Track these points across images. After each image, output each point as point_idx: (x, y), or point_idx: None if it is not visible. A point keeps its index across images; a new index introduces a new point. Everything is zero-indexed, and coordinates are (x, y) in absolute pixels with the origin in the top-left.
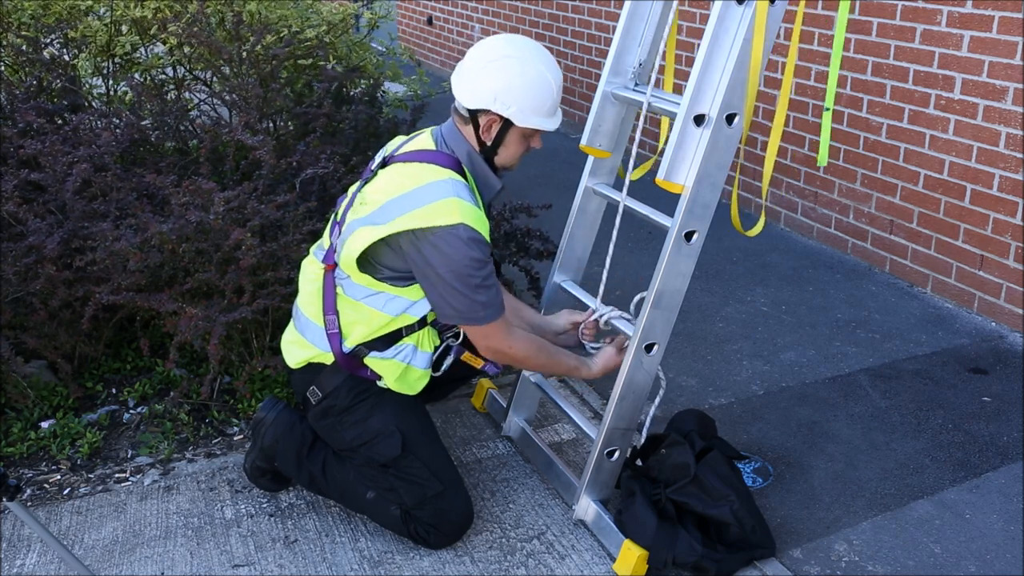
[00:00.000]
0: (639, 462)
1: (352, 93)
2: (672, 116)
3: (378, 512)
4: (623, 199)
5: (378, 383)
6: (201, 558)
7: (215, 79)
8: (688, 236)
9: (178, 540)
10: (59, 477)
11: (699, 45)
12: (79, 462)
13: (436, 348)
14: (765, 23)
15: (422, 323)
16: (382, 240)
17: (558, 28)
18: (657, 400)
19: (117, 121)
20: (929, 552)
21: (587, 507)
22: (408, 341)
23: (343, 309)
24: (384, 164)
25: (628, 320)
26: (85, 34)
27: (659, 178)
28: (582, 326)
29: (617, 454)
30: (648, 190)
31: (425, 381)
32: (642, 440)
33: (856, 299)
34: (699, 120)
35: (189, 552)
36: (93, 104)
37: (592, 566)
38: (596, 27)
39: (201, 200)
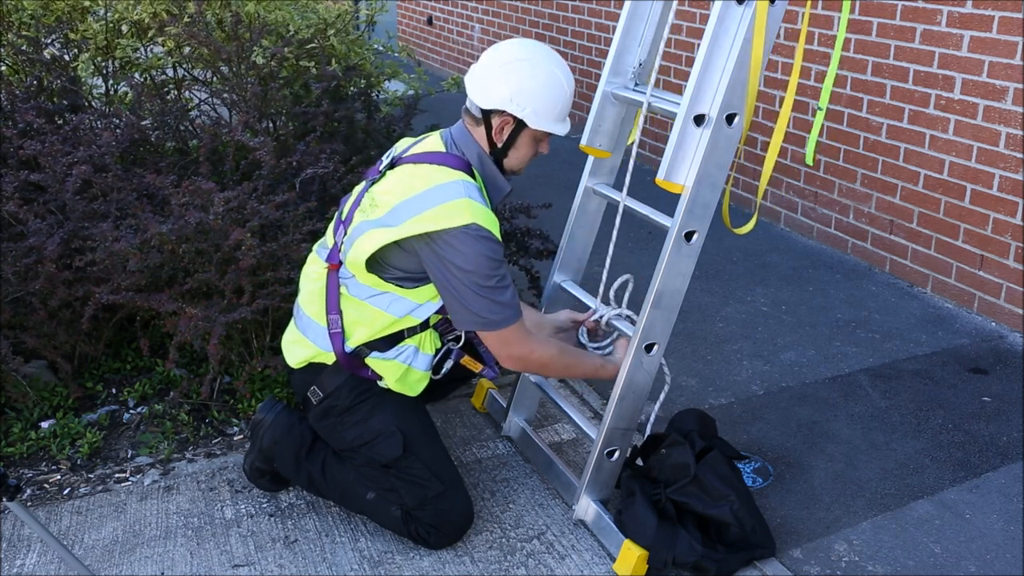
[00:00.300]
0: (639, 462)
1: (349, 92)
2: (672, 116)
3: (378, 512)
4: (623, 199)
5: (379, 383)
6: (201, 558)
7: (215, 79)
8: (688, 236)
9: (178, 540)
10: (59, 477)
11: (699, 45)
12: (79, 462)
13: (437, 351)
14: (765, 23)
15: (424, 325)
16: (393, 242)
17: (558, 28)
18: (661, 398)
19: (117, 121)
20: (929, 552)
21: (587, 507)
22: (410, 343)
23: (346, 309)
24: (392, 165)
25: (628, 320)
26: (85, 35)
27: (659, 178)
28: (583, 325)
29: (617, 454)
30: (648, 190)
31: (425, 383)
32: (643, 440)
33: (856, 299)
34: (699, 120)
35: (189, 552)
36: (93, 104)
37: (592, 566)
38: (596, 27)
39: (201, 200)
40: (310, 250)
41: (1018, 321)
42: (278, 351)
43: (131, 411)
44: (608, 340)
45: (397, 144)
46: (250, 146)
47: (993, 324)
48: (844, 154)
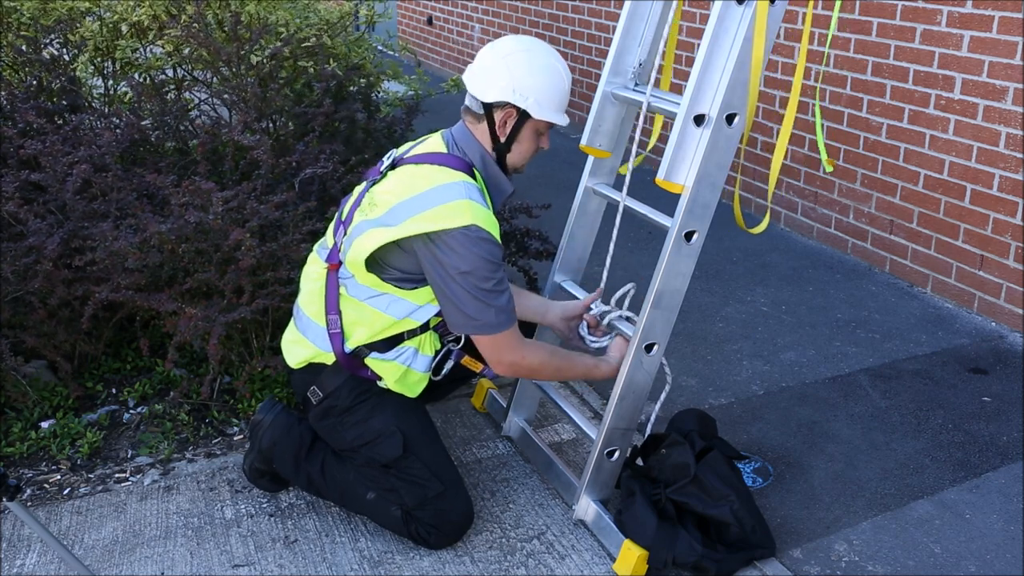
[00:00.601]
0: (639, 462)
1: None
2: (672, 116)
3: (378, 512)
4: (623, 199)
5: (379, 383)
6: (201, 558)
7: (214, 80)
8: (688, 236)
9: (178, 540)
10: (59, 477)
11: (699, 45)
12: (79, 462)
13: (437, 352)
14: (766, 23)
15: (424, 327)
16: (393, 241)
17: (558, 28)
18: (662, 397)
19: (117, 121)
20: (929, 552)
21: (587, 507)
22: (410, 344)
23: (345, 309)
24: (394, 166)
25: (628, 320)
26: (84, 36)
27: (659, 178)
28: (584, 320)
29: (617, 454)
30: (648, 190)
31: (424, 384)
32: (643, 440)
33: (856, 299)
34: (699, 120)
35: (189, 552)
36: (93, 104)
37: (592, 566)
38: (596, 27)
39: (200, 200)
40: (310, 250)
41: (1018, 321)
42: (278, 351)
43: (131, 411)
44: (607, 338)
45: (402, 146)
46: (247, 145)
47: (993, 324)
48: (844, 154)
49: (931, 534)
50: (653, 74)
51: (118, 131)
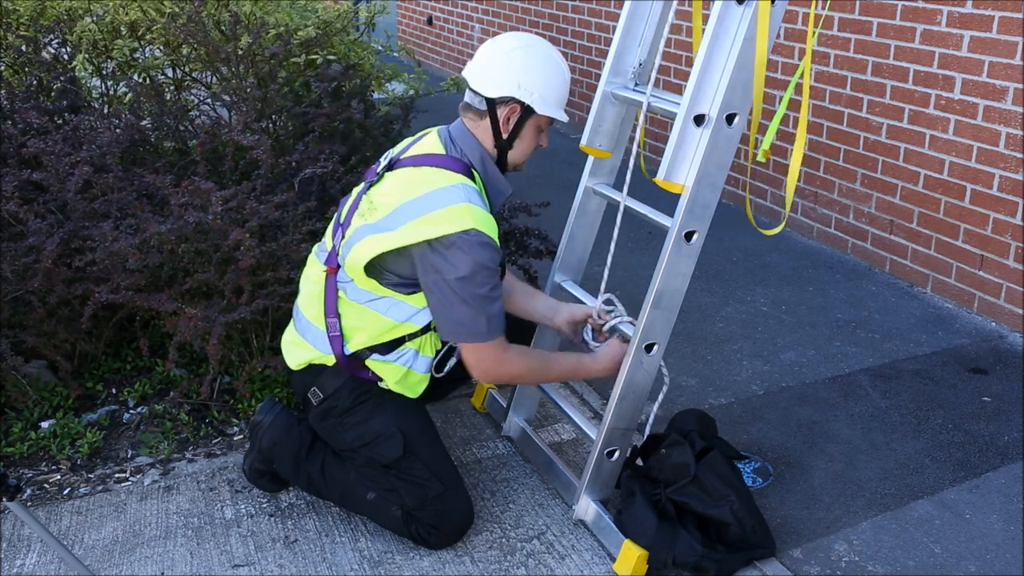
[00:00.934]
0: (639, 462)
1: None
2: (672, 116)
3: (378, 513)
4: (623, 199)
5: (379, 384)
6: (201, 558)
7: (213, 79)
8: (688, 236)
9: (178, 540)
10: (59, 477)
11: (699, 45)
12: (79, 462)
13: (438, 352)
14: (768, 23)
15: (425, 329)
16: (394, 249)
17: (558, 28)
18: (660, 398)
19: (117, 121)
20: (929, 552)
21: (587, 507)
22: (410, 346)
23: (345, 312)
24: (391, 167)
25: (629, 321)
26: (81, 35)
27: (659, 178)
28: (589, 327)
29: (617, 454)
30: (648, 190)
31: (425, 384)
32: (643, 440)
33: (856, 299)
34: (699, 120)
35: (189, 552)
36: (93, 105)
37: (592, 566)
38: (596, 27)
39: (200, 200)
40: (309, 251)
41: (1018, 321)
42: (278, 351)
43: (131, 411)
44: (609, 340)
45: (398, 145)
46: (247, 145)
47: (993, 324)
48: (844, 154)
49: (931, 534)
50: (653, 74)
51: (118, 131)
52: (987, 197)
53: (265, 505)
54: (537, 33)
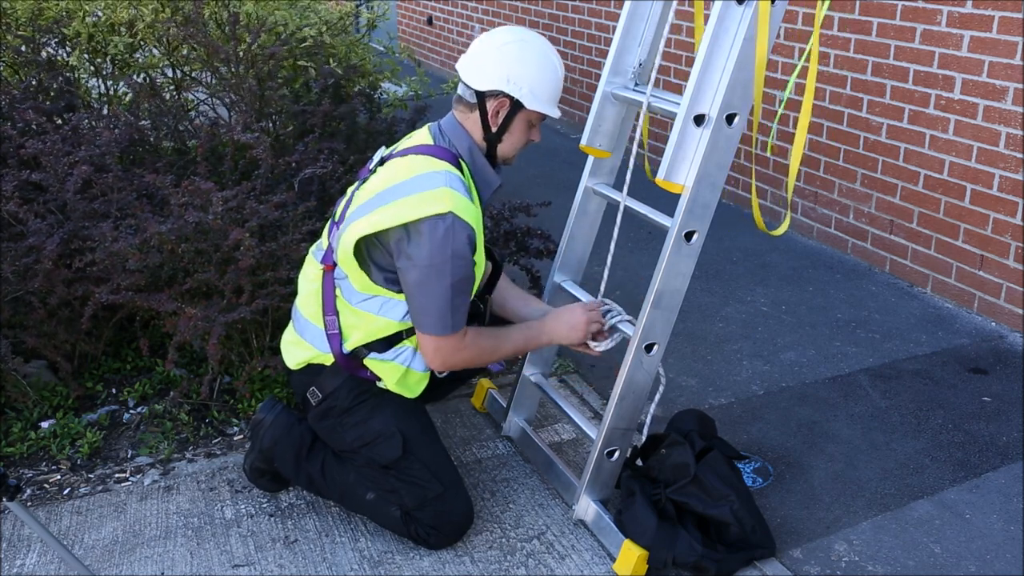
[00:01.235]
0: (639, 462)
1: (351, 91)
2: (672, 116)
3: (378, 513)
4: (623, 199)
5: (378, 384)
6: (201, 558)
7: (213, 79)
8: (688, 236)
9: (178, 540)
10: (59, 477)
11: (699, 45)
12: (79, 462)
13: None
14: (768, 23)
15: None
16: (374, 235)
17: (558, 28)
18: (656, 398)
19: (116, 121)
20: (929, 552)
21: (587, 507)
22: (408, 344)
23: (342, 311)
24: (383, 162)
25: (629, 321)
26: (78, 31)
27: (659, 178)
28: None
29: (617, 454)
30: (648, 190)
31: (425, 384)
32: (643, 440)
33: (856, 299)
34: (699, 120)
35: (189, 552)
36: (92, 105)
37: (592, 566)
38: (596, 27)
39: (200, 200)
40: (308, 251)
41: (1018, 321)
42: (278, 351)
43: (131, 411)
44: (610, 341)
45: (395, 145)
46: (246, 142)
47: (993, 324)
48: (844, 154)
49: (931, 534)
50: (653, 74)
51: (117, 131)
52: (987, 197)
53: (265, 505)
54: (537, 33)
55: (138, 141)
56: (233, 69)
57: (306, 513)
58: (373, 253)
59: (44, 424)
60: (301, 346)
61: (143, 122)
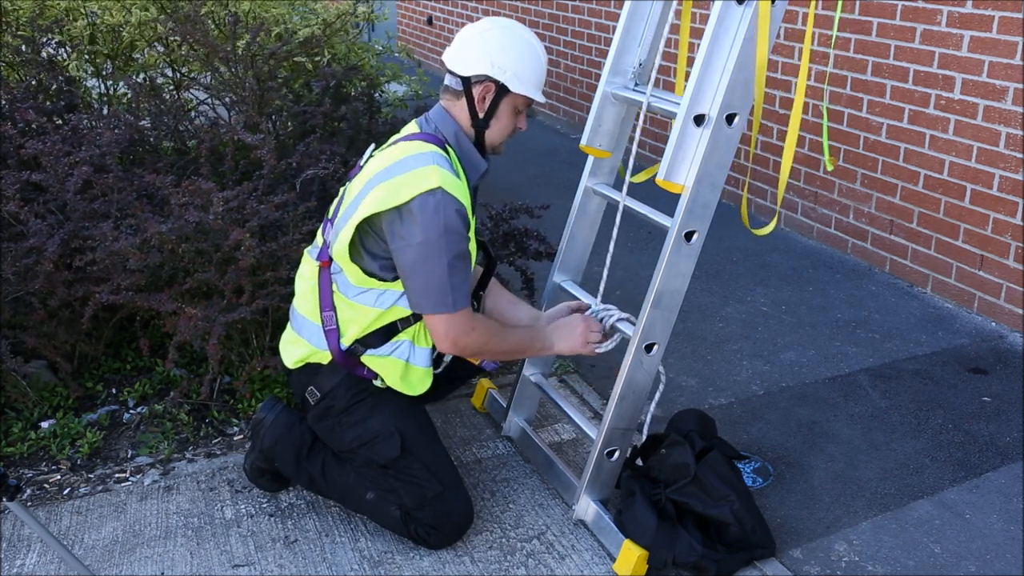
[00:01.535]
0: (639, 462)
1: (351, 92)
2: (672, 116)
3: (378, 513)
4: (623, 199)
5: (375, 383)
6: (201, 558)
7: (212, 79)
8: (688, 236)
9: (178, 540)
10: (59, 477)
11: (699, 45)
12: (79, 462)
13: (434, 345)
14: (768, 23)
15: (417, 316)
16: (366, 222)
17: (558, 28)
18: (656, 397)
19: (116, 121)
20: (929, 552)
21: (587, 507)
22: (404, 336)
23: (339, 305)
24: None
25: (628, 320)
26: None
27: (659, 178)
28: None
29: (617, 454)
30: (648, 190)
31: (429, 380)
32: (642, 440)
33: (856, 299)
34: (699, 120)
35: (189, 552)
36: (92, 105)
37: (592, 566)
38: (596, 27)
39: (200, 200)
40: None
41: (1018, 321)
42: (278, 351)
43: (131, 411)
44: (610, 341)
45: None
46: (249, 143)
47: (993, 324)
48: (844, 154)
49: (931, 534)
50: (653, 74)
51: (117, 131)
52: (987, 197)
53: (265, 505)
54: (537, 33)
55: (138, 141)
56: (233, 69)
57: (306, 513)
58: (367, 241)
59: (44, 424)
60: (298, 344)
61: (143, 122)
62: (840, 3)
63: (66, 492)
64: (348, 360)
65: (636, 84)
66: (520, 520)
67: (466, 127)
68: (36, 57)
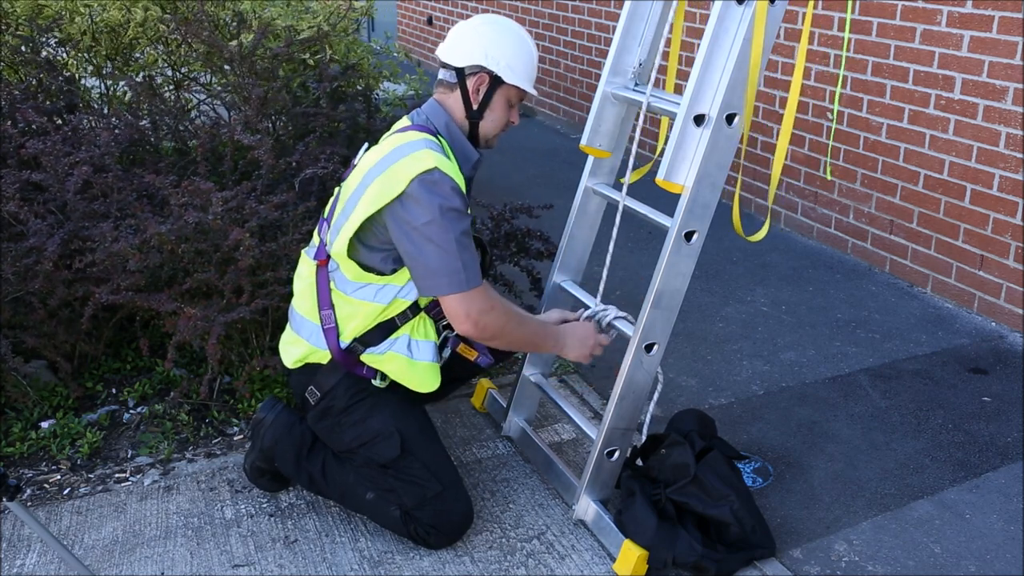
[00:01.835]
0: (639, 462)
1: (349, 92)
2: (672, 116)
3: (378, 513)
4: (623, 199)
5: (374, 382)
6: (201, 558)
7: (213, 80)
8: (688, 236)
9: (178, 540)
10: (59, 477)
11: (699, 45)
12: (79, 462)
13: (436, 337)
14: (765, 23)
15: (415, 309)
16: (368, 217)
17: (558, 28)
18: (655, 397)
19: (116, 121)
20: (929, 552)
21: (587, 507)
22: (404, 331)
23: (338, 303)
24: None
25: (628, 320)
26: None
27: (659, 178)
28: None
29: (617, 454)
30: (648, 190)
31: (437, 376)
32: (642, 440)
33: (856, 299)
34: (699, 120)
35: (189, 552)
36: (92, 105)
37: (592, 566)
38: (596, 27)
39: (200, 200)
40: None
41: (1018, 321)
42: (278, 351)
43: (131, 411)
44: (606, 338)
45: None
46: (248, 144)
47: (993, 324)
48: (844, 154)
49: (931, 534)
50: (653, 74)
51: (117, 131)
52: (987, 197)
53: (265, 505)
54: (537, 34)
55: (138, 141)
56: (235, 68)
57: (306, 513)
58: (365, 236)
59: (44, 424)
60: (298, 343)
61: (143, 122)
62: (849, 6)
63: (66, 492)
64: (347, 359)
65: (636, 84)
66: (520, 520)
67: (460, 119)
68: (35, 57)
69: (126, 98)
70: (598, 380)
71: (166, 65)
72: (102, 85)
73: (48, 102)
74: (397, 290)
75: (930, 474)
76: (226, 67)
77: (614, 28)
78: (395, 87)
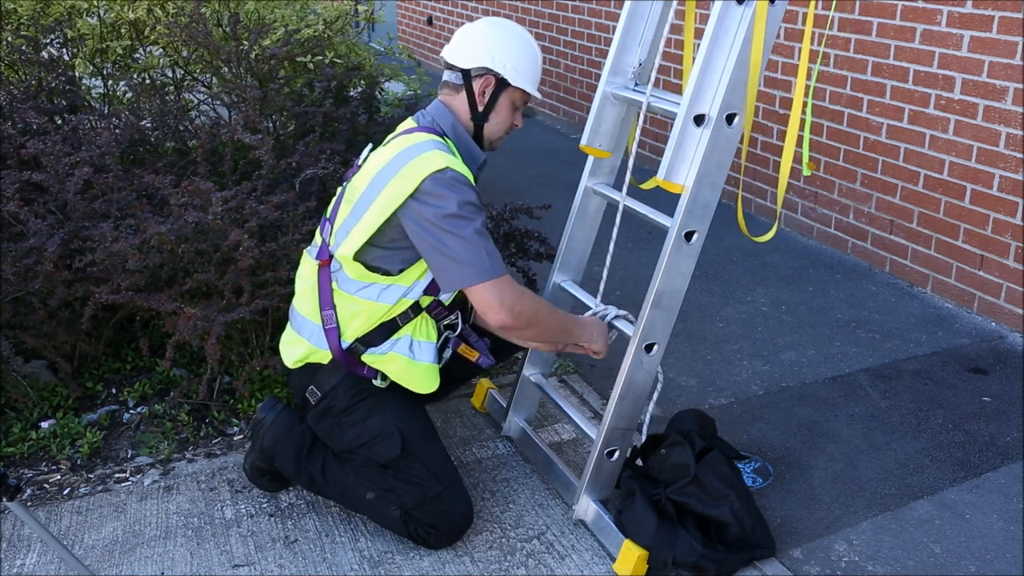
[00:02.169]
0: (639, 462)
1: (351, 93)
2: (672, 116)
3: (378, 513)
4: (623, 199)
5: (375, 382)
6: (201, 558)
7: (213, 80)
8: (688, 236)
9: (178, 540)
10: (59, 477)
11: (699, 45)
12: (79, 462)
13: (436, 339)
14: (765, 23)
15: (417, 309)
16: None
17: (558, 28)
18: (655, 397)
19: (117, 121)
20: (929, 552)
21: (587, 507)
22: (404, 332)
23: (340, 303)
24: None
25: (628, 320)
26: (82, 33)
27: (659, 178)
28: None
29: (617, 454)
30: (648, 190)
31: (436, 377)
32: (642, 440)
33: (856, 299)
34: (699, 120)
35: (189, 552)
36: (93, 105)
37: (592, 566)
38: (596, 27)
39: (200, 200)
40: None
41: (1018, 321)
42: (278, 351)
43: (131, 411)
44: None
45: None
46: (248, 143)
47: (993, 324)
48: (844, 154)
49: (931, 534)
50: (653, 74)
51: (117, 131)
52: (987, 197)
53: (265, 505)
54: (537, 34)
55: (138, 141)
56: (235, 70)
57: (306, 513)
58: (375, 237)
59: (44, 424)
60: (298, 343)
61: (143, 122)
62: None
63: (66, 492)
64: (348, 359)
65: (636, 84)
66: (520, 520)
67: (465, 120)
68: (37, 57)
69: (127, 98)
70: (598, 380)
71: (167, 66)
72: (103, 85)
73: (50, 102)
74: (403, 291)
75: (930, 474)
76: (223, 69)
77: (614, 28)
78: (395, 87)
